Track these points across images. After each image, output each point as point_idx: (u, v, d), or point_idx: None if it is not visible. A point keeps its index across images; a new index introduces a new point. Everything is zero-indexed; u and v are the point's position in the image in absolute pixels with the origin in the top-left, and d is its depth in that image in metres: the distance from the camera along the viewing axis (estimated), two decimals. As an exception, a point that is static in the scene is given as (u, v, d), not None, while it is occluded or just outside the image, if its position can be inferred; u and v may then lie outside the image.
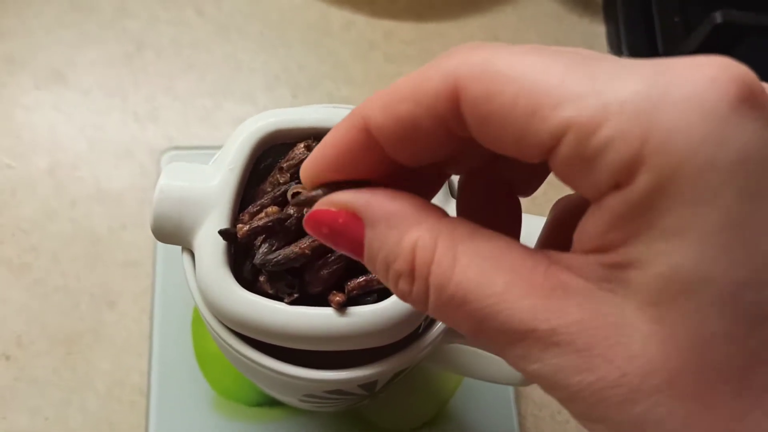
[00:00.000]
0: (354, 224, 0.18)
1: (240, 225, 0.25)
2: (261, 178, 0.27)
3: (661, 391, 0.14)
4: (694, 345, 0.14)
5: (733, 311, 0.14)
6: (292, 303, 0.24)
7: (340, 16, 0.51)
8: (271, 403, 0.38)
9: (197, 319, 0.39)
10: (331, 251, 0.24)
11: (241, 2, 0.51)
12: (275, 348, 0.25)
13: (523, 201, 0.22)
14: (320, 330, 0.24)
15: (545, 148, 0.15)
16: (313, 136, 0.27)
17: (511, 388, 0.39)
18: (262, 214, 0.25)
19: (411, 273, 0.17)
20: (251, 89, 0.48)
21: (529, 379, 0.16)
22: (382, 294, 0.25)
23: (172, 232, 0.26)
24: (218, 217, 0.25)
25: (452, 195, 0.28)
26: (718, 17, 0.41)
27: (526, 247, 0.17)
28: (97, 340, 0.40)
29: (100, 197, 0.43)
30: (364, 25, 0.50)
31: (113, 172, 0.44)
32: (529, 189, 0.21)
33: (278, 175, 0.26)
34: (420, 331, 0.27)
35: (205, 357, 0.39)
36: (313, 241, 0.24)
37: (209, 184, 0.26)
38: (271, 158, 0.28)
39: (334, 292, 0.24)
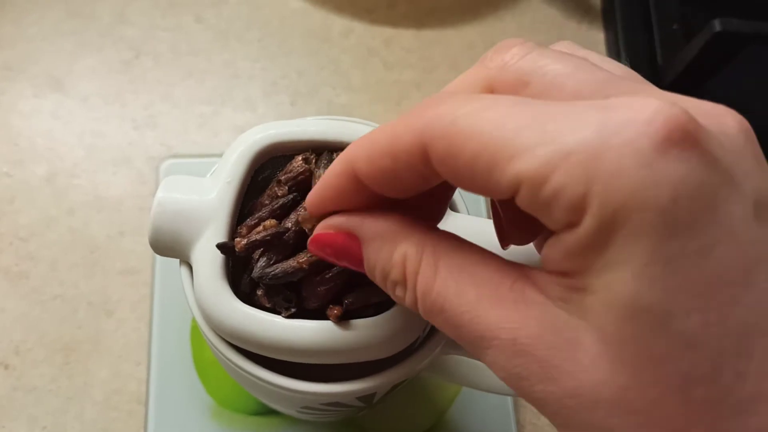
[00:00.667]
0: (352, 243, 0.21)
1: (238, 239, 0.25)
2: (259, 190, 0.27)
3: (613, 403, 0.16)
4: (637, 365, 0.16)
5: (667, 335, 0.15)
6: (289, 317, 0.24)
7: (340, 23, 0.51)
8: (270, 412, 0.38)
9: (196, 328, 0.39)
10: (329, 267, 0.24)
11: (240, 9, 0.51)
12: (273, 361, 0.25)
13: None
14: (318, 343, 0.24)
15: (507, 195, 0.17)
16: (311, 148, 0.27)
17: (509, 398, 0.39)
18: (260, 228, 0.25)
19: (404, 282, 0.19)
20: (250, 96, 0.47)
21: (508, 386, 0.18)
22: (380, 308, 0.25)
23: (170, 246, 0.26)
24: (216, 230, 0.25)
25: (451, 208, 0.28)
26: (717, 25, 0.41)
27: (502, 261, 0.19)
28: (95, 349, 0.40)
29: (99, 205, 0.43)
30: (363, 32, 0.50)
31: (111, 179, 0.44)
32: None
33: (276, 188, 0.26)
34: (418, 343, 0.27)
35: (204, 365, 0.39)
36: (311, 255, 0.24)
37: (207, 197, 0.26)
38: (270, 170, 0.28)
39: (332, 305, 0.24)
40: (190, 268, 0.26)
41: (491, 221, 0.26)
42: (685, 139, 0.15)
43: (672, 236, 0.15)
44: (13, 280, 0.41)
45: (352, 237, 0.21)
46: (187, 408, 0.37)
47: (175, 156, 0.44)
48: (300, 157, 0.26)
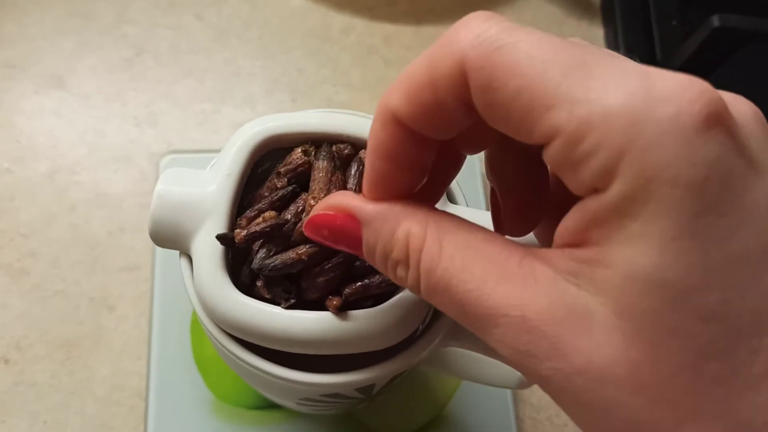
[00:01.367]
0: (351, 224, 0.20)
1: (237, 230, 0.25)
2: (259, 182, 0.27)
3: (624, 380, 0.16)
4: (653, 339, 0.16)
5: (686, 310, 0.15)
6: (289, 308, 0.24)
7: (340, 20, 0.51)
8: (270, 406, 0.38)
9: (196, 323, 0.39)
10: (329, 259, 0.25)
11: (240, 8, 0.51)
12: (273, 352, 0.25)
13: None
14: (317, 334, 0.24)
15: (539, 142, 0.17)
16: (311, 140, 0.27)
17: (509, 392, 0.39)
18: (260, 219, 0.25)
19: (406, 260, 0.19)
20: (250, 94, 0.48)
21: (510, 363, 0.18)
22: (379, 299, 0.25)
23: (169, 237, 0.26)
24: (216, 222, 0.25)
25: (450, 200, 0.28)
26: (715, 21, 0.41)
27: (507, 240, 0.18)
28: (96, 344, 0.40)
29: (100, 202, 0.43)
30: (363, 29, 0.51)
31: (112, 176, 0.44)
32: None
33: (276, 180, 0.26)
34: (418, 334, 0.27)
35: (204, 360, 0.39)
36: (311, 247, 0.24)
37: (207, 190, 0.26)
38: (269, 162, 0.28)
39: (331, 296, 0.24)
40: (190, 259, 0.26)
41: (488, 213, 0.26)
42: (721, 122, 0.15)
43: (700, 214, 0.15)
44: (14, 277, 0.41)
45: (351, 218, 0.20)
46: (187, 402, 0.38)
47: (175, 151, 0.45)
48: (299, 149, 0.27)
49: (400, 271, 0.19)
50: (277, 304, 0.24)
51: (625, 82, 0.16)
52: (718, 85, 0.16)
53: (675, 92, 0.15)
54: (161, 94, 0.47)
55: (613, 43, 0.50)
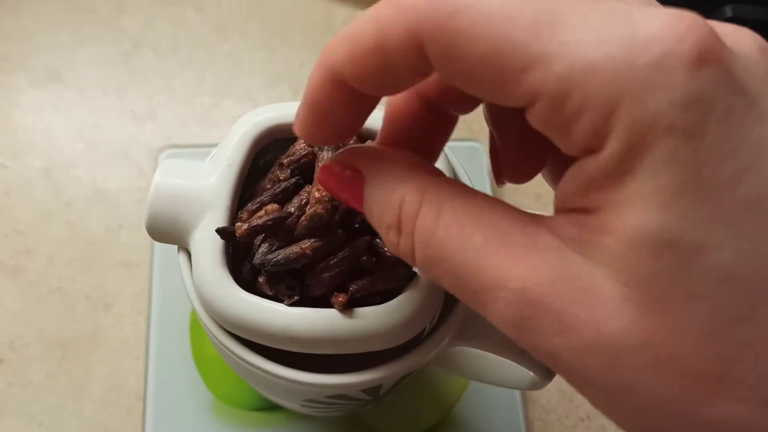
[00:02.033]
0: (356, 179, 0.19)
1: (238, 224, 0.24)
2: (260, 174, 0.26)
3: (640, 354, 0.14)
4: (667, 307, 0.14)
5: (699, 271, 0.14)
6: (292, 305, 0.23)
7: (343, 12, 0.50)
8: (272, 407, 0.37)
9: (196, 322, 0.38)
10: (334, 253, 0.23)
11: (241, 0, 0.50)
12: (275, 351, 0.24)
13: (527, 199, 0.21)
14: (322, 332, 0.23)
15: (519, 106, 0.15)
16: None
17: (518, 393, 0.38)
18: (262, 212, 0.24)
19: (398, 227, 0.18)
20: (251, 88, 0.47)
21: (517, 343, 0.16)
22: (387, 296, 0.24)
23: (167, 231, 0.25)
24: (216, 215, 0.24)
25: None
26: (728, 11, 0.40)
27: (510, 207, 0.17)
28: (93, 344, 0.39)
29: (97, 198, 0.42)
30: (366, 22, 0.49)
31: (110, 172, 0.43)
32: None
33: (278, 172, 0.25)
34: (426, 333, 0.26)
35: (204, 360, 0.38)
36: (315, 241, 0.23)
37: (206, 182, 0.25)
38: (271, 154, 0.27)
39: (336, 293, 0.23)
40: (189, 254, 0.25)
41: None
42: (716, 58, 0.14)
43: (703, 163, 0.14)
44: (9, 274, 0.40)
45: (358, 173, 0.19)
46: (186, 403, 0.37)
47: (174, 146, 0.44)
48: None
49: (392, 237, 0.18)
50: (280, 301, 0.23)
51: (604, 29, 0.14)
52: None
53: (660, 32, 0.14)
54: (160, 88, 0.46)
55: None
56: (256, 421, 0.36)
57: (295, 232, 0.24)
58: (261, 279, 0.24)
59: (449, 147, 0.27)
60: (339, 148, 0.25)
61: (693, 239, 0.14)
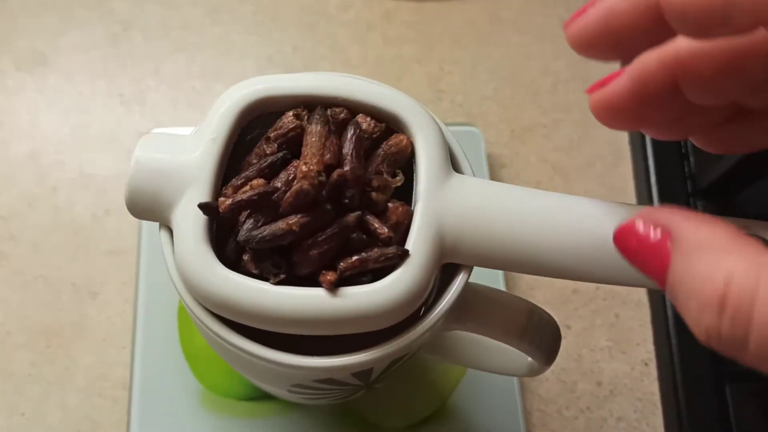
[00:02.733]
0: (664, 244, 0.17)
1: (222, 198, 0.23)
2: (246, 151, 0.25)
3: None
4: None
5: None
6: (278, 284, 0.22)
7: (336, -4, 0.49)
8: (262, 397, 0.35)
9: (184, 310, 0.37)
10: (322, 229, 0.22)
11: (232, -18, 0.49)
12: (262, 334, 0.23)
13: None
14: (310, 312, 0.22)
15: None
16: (303, 104, 0.25)
17: (516, 383, 0.37)
18: (247, 188, 0.23)
19: (721, 305, 0.15)
20: (243, 72, 0.45)
21: None
22: (378, 274, 0.23)
23: (148, 208, 0.23)
24: (199, 190, 0.23)
25: (455, 169, 0.25)
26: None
27: None
28: (78, 333, 0.38)
29: (84, 183, 0.41)
30: (362, 5, 0.48)
31: (97, 157, 0.42)
32: None
33: (265, 146, 0.24)
34: (420, 315, 0.25)
35: (192, 350, 0.36)
36: (302, 217, 0.22)
37: (189, 156, 0.23)
38: (258, 130, 0.25)
39: (325, 271, 0.22)
40: (171, 232, 0.24)
41: (504, 185, 0.24)
42: None
43: None
44: (-8, 261, 0.39)
45: (667, 236, 0.17)
46: (174, 394, 0.35)
47: (161, 126, 0.42)
48: (291, 113, 0.24)
49: (708, 317, 0.15)
50: (266, 279, 0.22)
51: None
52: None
53: None
54: (149, 72, 0.45)
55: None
56: (246, 410, 0.35)
57: (281, 209, 0.23)
58: (246, 257, 0.23)
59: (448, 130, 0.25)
60: (328, 121, 0.24)
61: None
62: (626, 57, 0.18)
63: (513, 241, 0.23)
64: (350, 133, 0.24)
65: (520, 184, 0.43)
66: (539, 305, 0.27)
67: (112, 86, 0.44)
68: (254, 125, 0.25)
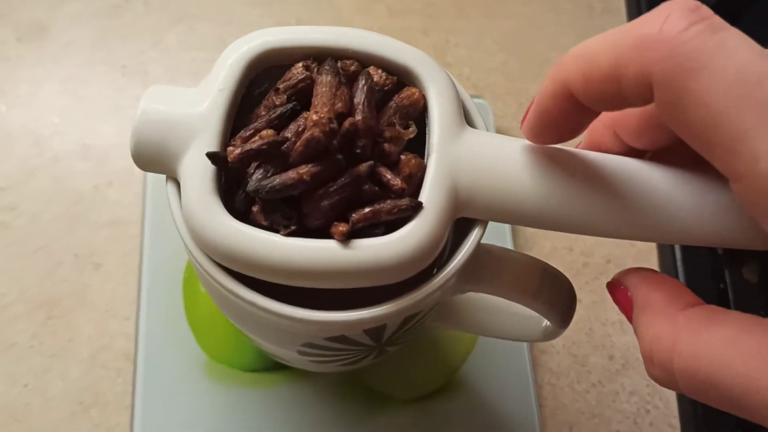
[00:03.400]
0: (629, 302, 0.21)
1: (230, 148, 0.22)
2: (255, 104, 0.24)
3: None
4: None
5: None
6: (288, 235, 0.21)
7: (341, -33, 0.48)
8: (268, 368, 0.35)
9: (188, 280, 0.36)
10: (334, 179, 0.22)
11: (235, -47, 0.48)
12: (272, 292, 0.22)
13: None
14: (321, 264, 0.21)
15: (724, 174, 0.17)
16: (313, 57, 0.24)
17: (527, 355, 0.37)
18: (256, 138, 0.22)
19: (650, 360, 0.19)
20: (246, 43, 0.45)
21: None
22: (391, 228, 0.22)
23: (155, 159, 0.23)
24: (207, 141, 0.22)
25: (469, 123, 0.25)
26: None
27: (765, 324, 0.18)
28: (80, 304, 0.37)
29: (85, 154, 0.40)
30: (366, -24, 0.47)
31: (98, 127, 0.41)
32: None
33: (274, 97, 0.23)
34: (434, 272, 0.24)
35: (197, 320, 0.36)
36: (313, 166, 0.21)
37: (197, 108, 0.23)
38: (266, 84, 0.25)
39: (336, 222, 0.22)
40: (178, 185, 0.23)
41: (518, 139, 0.23)
42: None
43: None
44: (-8, 232, 0.38)
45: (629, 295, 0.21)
46: (178, 364, 0.35)
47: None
48: (300, 65, 0.24)
49: (650, 369, 0.20)
50: (276, 231, 0.22)
51: None
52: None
53: None
54: (151, 43, 0.44)
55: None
56: (251, 381, 0.35)
57: (291, 159, 0.22)
58: (255, 208, 0.22)
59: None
60: (338, 72, 0.23)
61: None
62: (566, 135, 0.21)
63: (528, 195, 0.22)
64: (361, 83, 0.23)
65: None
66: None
67: (112, 57, 0.43)
68: (262, 80, 0.25)
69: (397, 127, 0.23)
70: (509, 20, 0.47)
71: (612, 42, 0.18)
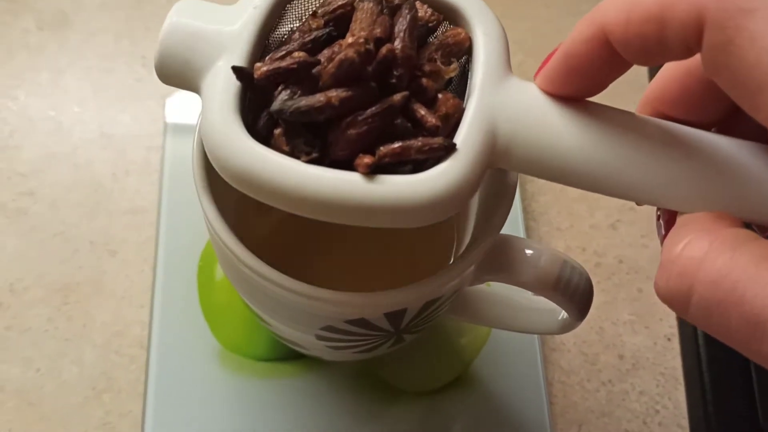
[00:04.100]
0: (673, 222, 0.19)
1: (258, 64, 0.20)
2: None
3: None
4: None
5: None
6: (310, 163, 0.20)
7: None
8: (282, 358, 0.35)
9: (203, 269, 0.37)
10: (363, 109, 0.20)
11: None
12: (293, 272, 0.22)
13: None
14: (340, 196, 0.19)
15: (762, 123, 0.16)
16: None
17: (538, 351, 0.37)
18: (287, 57, 0.20)
19: (671, 264, 0.17)
20: (266, 38, 0.45)
21: None
22: (420, 166, 0.20)
23: (178, 72, 0.21)
24: (234, 56, 0.21)
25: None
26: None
27: None
28: (96, 290, 0.37)
29: (104, 142, 0.41)
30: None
31: (118, 117, 0.42)
32: None
33: (311, 21, 0.22)
34: (452, 262, 0.24)
35: (212, 308, 0.36)
36: (344, 91, 0.20)
37: (230, 25, 0.21)
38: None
39: (362, 154, 0.20)
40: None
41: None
42: None
43: None
44: (10, 217, 0.38)
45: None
46: (192, 353, 0.35)
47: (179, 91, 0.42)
48: None
49: (667, 276, 0.17)
50: (297, 158, 0.20)
51: None
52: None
53: None
54: (172, 35, 0.44)
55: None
56: (265, 371, 0.35)
57: (320, 83, 0.20)
58: (277, 131, 0.20)
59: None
60: (381, 1, 0.22)
61: None
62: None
63: (568, 149, 0.20)
64: (405, 11, 0.21)
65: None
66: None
67: (134, 47, 0.44)
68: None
69: (439, 63, 0.22)
70: (529, 22, 0.47)
71: None
